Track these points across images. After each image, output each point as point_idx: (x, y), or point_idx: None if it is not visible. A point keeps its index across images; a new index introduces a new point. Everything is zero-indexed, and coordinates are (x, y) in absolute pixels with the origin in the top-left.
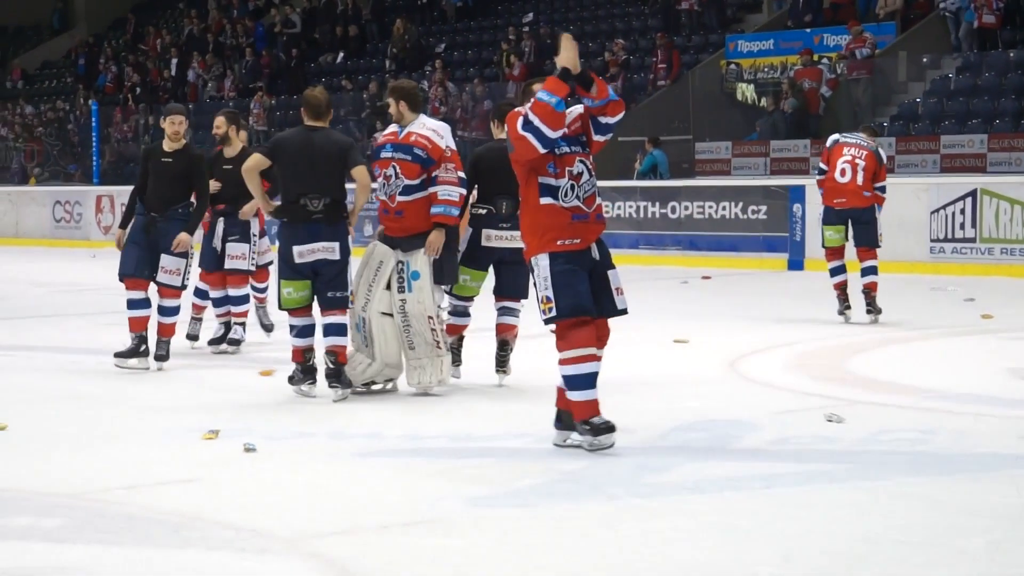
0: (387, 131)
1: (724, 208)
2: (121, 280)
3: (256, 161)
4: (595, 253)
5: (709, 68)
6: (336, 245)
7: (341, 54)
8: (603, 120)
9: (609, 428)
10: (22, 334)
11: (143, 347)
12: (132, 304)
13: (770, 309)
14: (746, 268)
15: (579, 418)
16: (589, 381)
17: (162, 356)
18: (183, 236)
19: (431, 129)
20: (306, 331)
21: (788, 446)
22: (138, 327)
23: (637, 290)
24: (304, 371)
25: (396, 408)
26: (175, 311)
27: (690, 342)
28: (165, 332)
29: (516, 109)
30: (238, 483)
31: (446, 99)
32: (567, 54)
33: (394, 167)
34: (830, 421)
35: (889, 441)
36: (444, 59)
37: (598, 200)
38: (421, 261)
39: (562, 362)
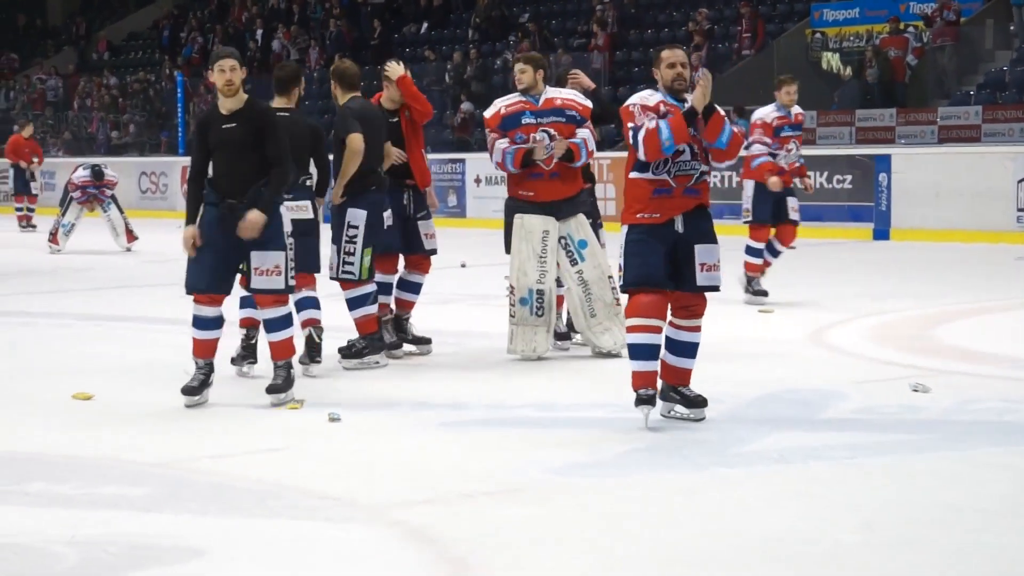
0: (510, 100)
1: (809, 177)
2: (190, 294)
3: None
4: (679, 227)
5: (794, 37)
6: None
7: (425, 24)
8: (711, 159)
9: (645, 401)
10: (108, 304)
11: (210, 378)
12: (202, 323)
13: (855, 279)
14: (831, 238)
15: (633, 387)
16: (643, 352)
17: (278, 387)
18: (253, 216)
19: (572, 93)
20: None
21: (872, 416)
22: (206, 352)
23: (722, 260)
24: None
25: (480, 378)
26: (286, 322)
27: (775, 312)
28: (280, 353)
29: (627, 106)
30: (323, 453)
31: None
32: (701, 93)
33: (545, 131)
34: (915, 391)
35: (975, 411)
36: (525, 30)
37: (696, 179)
38: (583, 228)
39: (626, 329)
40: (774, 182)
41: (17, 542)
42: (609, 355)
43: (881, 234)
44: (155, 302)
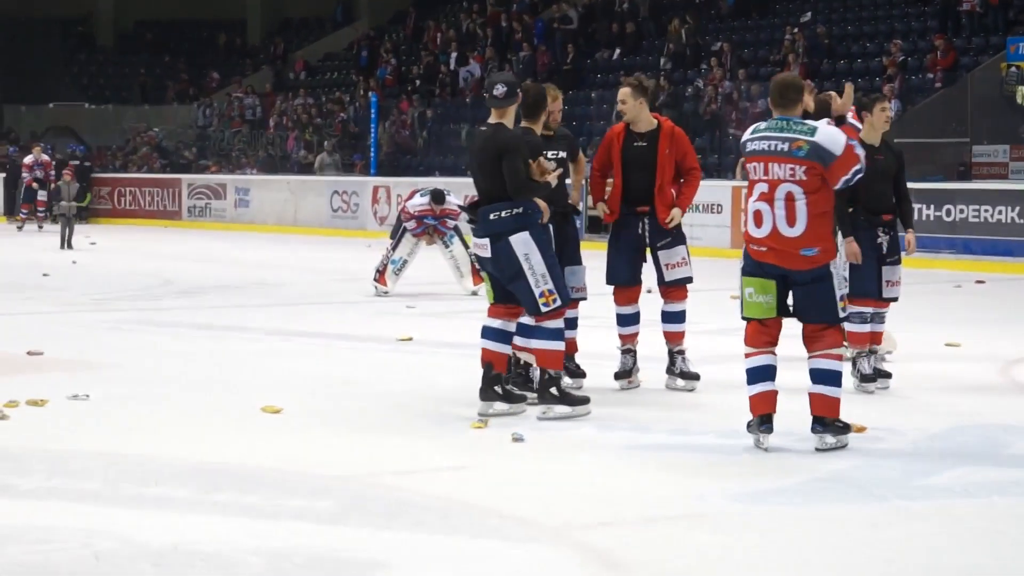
0: None
1: (1000, 212)
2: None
3: None
4: None
5: (988, 70)
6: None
7: (617, 51)
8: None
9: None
10: (298, 320)
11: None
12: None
13: None
14: (1021, 273)
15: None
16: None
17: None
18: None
19: None
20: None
21: None
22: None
23: (909, 294)
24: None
25: (663, 403)
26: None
27: (962, 346)
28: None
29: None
30: (506, 472)
31: (716, 98)
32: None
33: None
34: None
35: None
36: (718, 57)
37: None
38: None
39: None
40: None
41: (205, 549)
42: None
43: None
44: (341, 319)
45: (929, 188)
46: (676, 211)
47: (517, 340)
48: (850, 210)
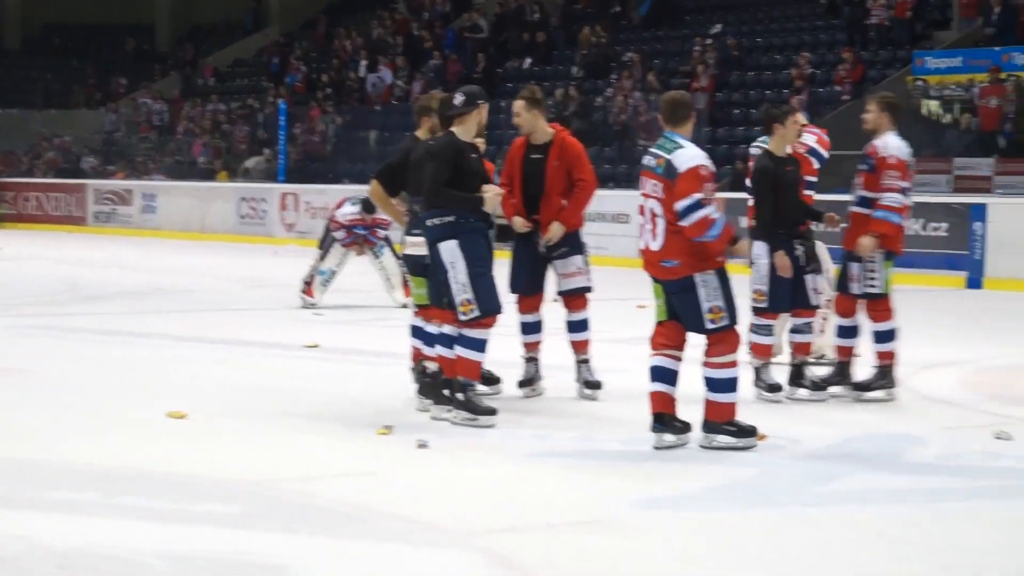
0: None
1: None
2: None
3: None
4: None
5: (895, 84)
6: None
7: (528, 60)
8: None
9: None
10: (204, 326)
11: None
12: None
13: (947, 326)
14: (924, 285)
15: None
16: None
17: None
18: None
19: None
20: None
21: (955, 462)
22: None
23: None
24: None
25: (567, 410)
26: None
27: (862, 356)
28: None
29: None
30: (410, 478)
31: (626, 108)
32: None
33: None
34: (999, 439)
35: None
36: (629, 67)
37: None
38: None
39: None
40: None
41: (109, 554)
42: None
43: (974, 283)
44: (247, 326)
45: (835, 200)
46: (554, 226)
47: (424, 348)
48: None
